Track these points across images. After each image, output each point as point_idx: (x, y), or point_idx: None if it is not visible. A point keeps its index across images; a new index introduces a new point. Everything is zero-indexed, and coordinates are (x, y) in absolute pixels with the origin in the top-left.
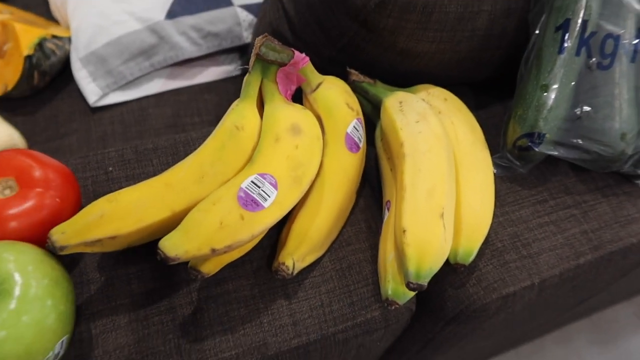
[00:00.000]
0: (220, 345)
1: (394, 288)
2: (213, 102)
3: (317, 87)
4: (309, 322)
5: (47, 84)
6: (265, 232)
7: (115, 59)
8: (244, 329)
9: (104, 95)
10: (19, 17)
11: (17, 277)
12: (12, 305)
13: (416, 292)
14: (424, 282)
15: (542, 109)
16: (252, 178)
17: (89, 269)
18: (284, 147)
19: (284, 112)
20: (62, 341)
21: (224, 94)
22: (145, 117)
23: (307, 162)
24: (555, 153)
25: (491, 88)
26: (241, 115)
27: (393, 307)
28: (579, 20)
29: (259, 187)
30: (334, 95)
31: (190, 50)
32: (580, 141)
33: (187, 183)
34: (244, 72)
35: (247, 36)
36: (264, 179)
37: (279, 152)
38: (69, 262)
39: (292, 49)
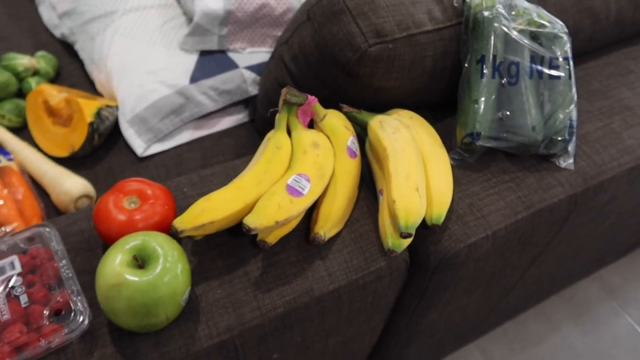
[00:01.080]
0: (282, 292)
1: (393, 241)
2: (231, 144)
3: (324, 117)
4: (339, 273)
5: (102, 144)
6: (304, 212)
7: (153, 118)
8: (296, 281)
9: (148, 147)
10: (75, 95)
11: (159, 249)
12: (160, 266)
13: (407, 238)
14: (412, 231)
15: (476, 115)
16: (294, 177)
17: (187, 254)
18: (310, 156)
19: (306, 135)
20: (189, 289)
21: (238, 137)
22: (181, 161)
23: (325, 165)
24: (490, 145)
25: (443, 108)
26: (278, 140)
27: (393, 255)
28: (490, 56)
29: (299, 182)
30: (336, 121)
31: (210, 105)
32: (505, 135)
33: (250, 185)
34: (274, 113)
35: (251, 90)
36: (301, 177)
37: (308, 159)
38: None
39: (306, 94)
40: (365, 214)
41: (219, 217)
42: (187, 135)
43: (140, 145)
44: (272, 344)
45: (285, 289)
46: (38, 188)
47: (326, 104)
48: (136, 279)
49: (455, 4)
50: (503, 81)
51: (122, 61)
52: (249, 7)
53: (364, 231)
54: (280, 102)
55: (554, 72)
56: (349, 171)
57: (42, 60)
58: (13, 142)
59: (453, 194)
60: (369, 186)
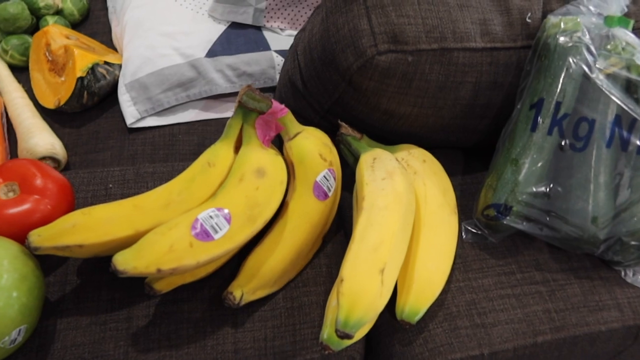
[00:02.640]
0: (163, 359)
1: (329, 334)
2: None
3: (295, 136)
4: (250, 353)
5: (96, 104)
6: (219, 261)
7: (156, 88)
8: (188, 349)
9: (141, 118)
10: (82, 43)
11: None
12: None
13: (344, 339)
14: (351, 331)
15: (511, 182)
16: (209, 211)
17: (69, 271)
18: (245, 187)
19: (254, 155)
20: (20, 329)
21: None
22: (174, 142)
23: (264, 203)
24: (522, 227)
25: (484, 154)
26: (215, 154)
27: (326, 352)
28: (553, 101)
29: (213, 219)
30: (309, 145)
31: (224, 86)
32: (548, 219)
33: (153, 207)
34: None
35: (278, 78)
36: (220, 212)
37: (240, 191)
38: (55, 263)
39: (272, 100)
40: (321, 277)
41: (93, 241)
42: (190, 115)
43: (132, 114)
44: None
45: (170, 355)
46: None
47: (330, 117)
48: None
49: (529, 20)
50: (564, 142)
51: (140, 16)
52: None
53: (306, 302)
54: (236, 104)
55: None
56: (307, 215)
57: (68, 1)
58: (6, 81)
59: (451, 281)
60: (347, 235)
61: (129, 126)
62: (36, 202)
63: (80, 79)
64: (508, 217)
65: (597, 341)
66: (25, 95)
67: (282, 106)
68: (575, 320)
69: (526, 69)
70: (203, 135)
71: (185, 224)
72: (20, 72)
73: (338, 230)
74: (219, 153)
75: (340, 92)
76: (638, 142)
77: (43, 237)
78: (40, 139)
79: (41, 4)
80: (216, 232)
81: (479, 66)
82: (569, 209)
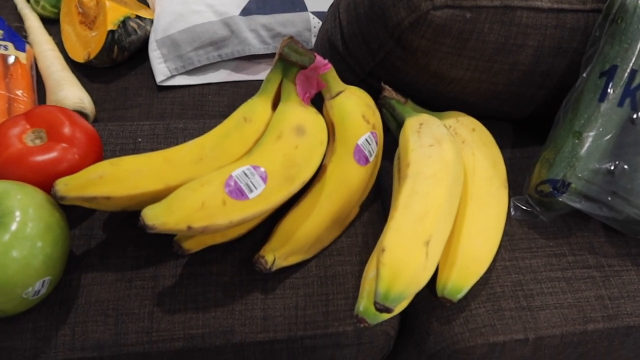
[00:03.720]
0: (190, 321)
1: (366, 306)
2: None
3: (337, 95)
4: (279, 321)
5: (126, 59)
6: (252, 222)
7: (187, 45)
8: (216, 312)
9: (172, 76)
10: None
11: (17, 214)
12: (6, 237)
13: (382, 312)
14: (391, 305)
15: (571, 156)
16: (244, 168)
17: (95, 225)
18: (283, 145)
19: (293, 111)
20: (44, 281)
21: None
22: (203, 103)
23: (303, 163)
24: (580, 206)
25: (535, 128)
26: (252, 108)
27: (362, 325)
28: (628, 69)
29: (248, 177)
30: (351, 105)
31: (257, 47)
32: (610, 199)
33: (185, 161)
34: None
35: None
36: (256, 170)
37: (278, 149)
38: (81, 215)
39: (315, 54)
40: (356, 247)
41: (120, 193)
42: (221, 75)
43: (162, 71)
44: None
45: (197, 317)
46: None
47: (371, 81)
48: None
49: None
50: (636, 116)
51: None
52: None
53: (340, 272)
54: (276, 57)
55: None
56: (347, 181)
57: None
58: (37, 32)
59: (497, 260)
60: (385, 208)
61: (159, 84)
62: (64, 150)
63: (111, 32)
64: (565, 194)
65: None
66: (55, 47)
67: (326, 61)
68: (630, 310)
69: (595, 35)
70: (233, 97)
71: (218, 180)
72: (52, 24)
73: (375, 200)
74: (256, 108)
75: (387, 51)
76: None
77: (69, 187)
78: (69, 92)
79: None
80: (251, 191)
81: (543, 29)
82: (634, 189)
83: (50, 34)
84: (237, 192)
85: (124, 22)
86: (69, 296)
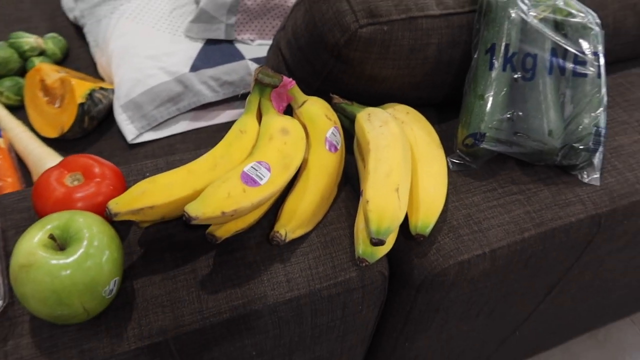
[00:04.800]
0: (231, 296)
1: (364, 248)
2: None
3: (303, 103)
4: (300, 280)
5: (95, 128)
6: (264, 205)
7: (148, 105)
8: (249, 285)
9: (140, 134)
10: (74, 75)
11: (85, 232)
12: (82, 250)
13: (378, 246)
14: (383, 237)
15: (481, 113)
16: (252, 164)
17: (132, 244)
18: (275, 143)
19: (276, 119)
20: (115, 280)
21: None
22: (173, 151)
23: (293, 153)
24: (497, 149)
25: (450, 107)
26: (244, 123)
27: (364, 264)
28: (502, 45)
29: (257, 170)
30: (315, 109)
31: (210, 96)
32: (515, 138)
33: (204, 170)
34: (246, 95)
35: None
36: (261, 164)
37: (272, 146)
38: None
39: (282, 75)
40: (342, 216)
41: (161, 202)
42: (183, 126)
43: (131, 131)
44: (217, 353)
45: (235, 292)
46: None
47: (319, 95)
48: (49, 260)
49: None
50: (516, 75)
51: (124, 44)
52: None
53: (336, 236)
54: (252, 82)
55: (579, 69)
56: (325, 165)
57: (50, 42)
58: (6, 119)
59: (448, 203)
60: (354, 187)
61: (130, 142)
62: (99, 184)
63: (81, 105)
64: (484, 142)
65: (571, 231)
66: (27, 129)
67: (290, 79)
68: (550, 216)
69: (475, 27)
70: (198, 142)
71: (235, 176)
72: (15, 111)
73: (346, 184)
74: (247, 122)
75: (330, 68)
76: (571, 67)
77: (120, 204)
78: (52, 164)
79: (26, 47)
80: (261, 179)
81: (439, 29)
82: (529, 127)
83: (18, 119)
84: (252, 182)
85: (90, 95)
86: (128, 299)
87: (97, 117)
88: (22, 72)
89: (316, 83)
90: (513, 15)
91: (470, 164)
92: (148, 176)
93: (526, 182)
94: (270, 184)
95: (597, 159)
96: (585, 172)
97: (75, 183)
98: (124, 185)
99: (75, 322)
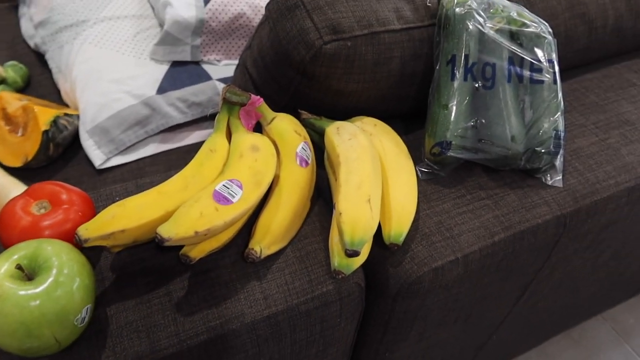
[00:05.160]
0: (207, 316)
1: (339, 260)
2: None
3: (272, 120)
4: (277, 296)
5: (60, 154)
6: (237, 222)
7: (115, 129)
8: (225, 304)
9: (107, 159)
10: (36, 103)
11: (54, 260)
12: (51, 279)
13: (353, 257)
14: (358, 248)
15: (446, 122)
16: (223, 182)
17: (103, 269)
18: (246, 161)
19: (246, 137)
20: (87, 308)
21: None
22: (142, 175)
23: (264, 170)
24: (463, 156)
25: (416, 118)
26: (214, 142)
27: (340, 276)
28: (462, 55)
29: (228, 189)
30: (285, 125)
31: (178, 117)
32: (480, 145)
33: (175, 190)
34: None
35: None
36: (232, 182)
37: (243, 164)
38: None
39: (249, 93)
40: (316, 230)
41: (132, 225)
42: (151, 149)
43: (98, 156)
44: None
45: (211, 312)
46: None
47: (287, 112)
48: (16, 291)
49: (429, 4)
50: (477, 84)
51: (87, 69)
52: (223, 17)
53: (311, 250)
54: (220, 101)
55: (536, 76)
56: (297, 181)
57: (10, 70)
58: None
59: (419, 211)
60: (326, 200)
61: (98, 167)
62: (66, 211)
63: (45, 132)
64: (450, 150)
65: (538, 232)
66: None
67: (258, 97)
68: (518, 219)
69: (436, 40)
70: (168, 164)
71: (207, 195)
72: None
73: (319, 197)
74: (217, 141)
75: (296, 84)
76: (529, 74)
77: (90, 230)
78: (17, 193)
79: None
80: (233, 197)
81: (401, 43)
82: (493, 134)
83: None
84: (224, 200)
85: (54, 121)
86: (101, 326)
87: (63, 144)
88: None
89: (284, 100)
90: (471, 27)
91: (439, 172)
92: (118, 200)
93: (493, 187)
94: (243, 201)
95: (558, 162)
96: (548, 175)
97: (42, 211)
98: (93, 211)
99: (47, 354)
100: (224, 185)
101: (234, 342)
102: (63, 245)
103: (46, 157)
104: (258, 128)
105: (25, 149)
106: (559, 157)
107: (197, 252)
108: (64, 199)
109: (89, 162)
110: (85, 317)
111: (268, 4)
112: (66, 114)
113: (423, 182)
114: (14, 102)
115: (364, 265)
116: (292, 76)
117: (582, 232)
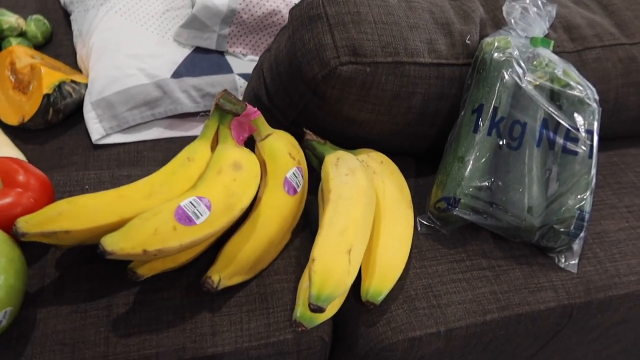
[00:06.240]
0: (144, 343)
1: (302, 311)
2: None
3: (266, 137)
4: (227, 335)
5: (60, 121)
6: (201, 246)
7: (122, 106)
8: (168, 332)
9: (107, 135)
10: (47, 63)
11: None
12: None
13: (316, 312)
14: (323, 304)
15: (458, 177)
16: (190, 199)
17: (48, 265)
18: (223, 178)
19: (230, 151)
20: (6, 311)
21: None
22: (139, 159)
23: (241, 192)
24: (469, 218)
25: (434, 160)
26: (194, 150)
27: (300, 329)
28: (491, 106)
29: (195, 207)
30: (279, 145)
31: (189, 106)
32: (491, 209)
33: (137, 197)
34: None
35: None
36: (201, 201)
37: (219, 182)
38: (34, 256)
39: (246, 103)
40: (291, 267)
41: (79, 227)
42: (155, 132)
43: (98, 130)
44: None
45: (150, 339)
46: None
47: (295, 129)
48: None
49: (468, 42)
50: (502, 142)
51: (107, 38)
52: (257, 11)
53: (278, 289)
54: (212, 107)
55: (570, 145)
56: (279, 208)
57: (32, 24)
58: None
59: (408, 269)
60: (313, 233)
61: (95, 142)
62: (19, 195)
63: (47, 95)
64: (457, 209)
65: (538, 319)
66: None
67: (255, 109)
68: (518, 300)
69: (467, 83)
70: (167, 153)
71: (168, 210)
72: None
73: (305, 228)
74: (198, 149)
75: (306, 101)
76: (562, 142)
77: (30, 224)
78: (2, 152)
79: (5, 26)
80: (197, 217)
81: (427, 79)
82: (508, 200)
83: None
84: (186, 219)
85: (59, 86)
86: (25, 331)
87: (64, 111)
88: None
89: (292, 114)
90: (507, 77)
91: (440, 228)
92: (87, 189)
93: (498, 257)
94: (207, 225)
95: (577, 245)
96: (563, 256)
97: None
98: (51, 199)
99: None
100: (190, 202)
101: None
102: None
103: (44, 121)
104: (251, 143)
105: (25, 108)
106: (578, 239)
107: (146, 270)
108: (19, 180)
109: (89, 135)
110: (2, 321)
111: (293, 8)
112: (73, 81)
113: (421, 236)
114: (25, 58)
115: (334, 316)
116: (303, 92)
117: (590, 325)
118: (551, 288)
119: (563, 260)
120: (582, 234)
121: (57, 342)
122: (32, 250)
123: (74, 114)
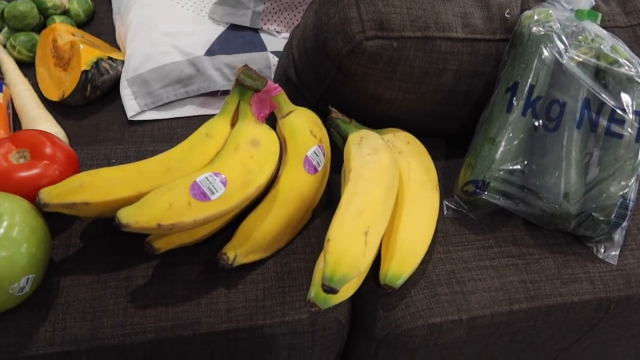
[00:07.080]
0: (160, 315)
1: (316, 292)
2: None
3: (287, 114)
4: (241, 312)
5: (98, 97)
6: (216, 223)
7: (156, 83)
8: (184, 306)
9: (142, 112)
10: (86, 41)
11: (5, 218)
12: None
13: (329, 293)
14: (336, 286)
15: (488, 159)
16: (207, 175)
17: (73, 235)
18: (241, 155)
19: (249, 127)
20: (28, 278)
21: None
22: (172, 135)
23: (258, 170)
24: (499, 203)
25: (465, 143)
26: (213, 126)
27: (313, 310)
28: (527, 84)
29: (210, 183)
30: (300, 122)
31: (222, 83)
32: (523, 194)
33: (154, 171)
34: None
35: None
36: (217, 176)
37: (236, 158)
38: (60, 227)
39: (267, 79)
40: (309, 247)
41: (98, 199)
42: (189, 110)
43: (133, 107)
44: None
45: (166, 311)
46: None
47: (322, 106)
48: None
49: (507, 15)
50: (537, 123)
51: (143, 15)
52: None
53: (295, 268)
54: (233, 82)
55: (615, 127)
56: (298, 187)
57: (75, 2)
58: (13, 74)
59: (432, 253)
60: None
61: (130, 119)
62: (45, 167)
63: (85, 72)
64: (486, 193)
65: (571, 312)
66: (30, 88)
67: (276, 85)
68: (549, 291)
69: (504, 60)
70: None
71: (184, 185)
72: (27, 67)
73: (327, 208)
74: (217, 125)
75: (331, 78)
76: (605, 124)
77: (52, 195)
78: (44, 127)
79: (49, 4)
80: (213, 193)
81: (460, 55)
82: (543, 185)
83: (25, 75)
84: (201, 195)
85: (96, 63)
86: (49, 297)
87: (101, 87)
88: (41, 28)
89: (319, 92)
90: (546, 53)
91: (468, 212)
92: (113, 163)
93: (529, 245)
94: (222, 201)
95: (618, 234)
96: (602, 247)
97: (22, 160)
98: (77, 171)
99: None
100: (206, 177)
101: (183, 350)
102: (22, 204)
103: (82, 97)
104: (272, 119)
105: (65, 84)
106: (620, 229)
107: (163, 244)
108: (47, 152)
109: (125, 112)
110: (25, 287)
111: None
112: (110, 58)
113: (447, 220)
114: (66, 35)
115: (352, 298)
116: (328, 68)
117: (630, 321)
118: (587, 279)
119: (602, 250)
120: (624, 224)
121: (79, 310)
122: (59, 221)
123: (112, 91)
